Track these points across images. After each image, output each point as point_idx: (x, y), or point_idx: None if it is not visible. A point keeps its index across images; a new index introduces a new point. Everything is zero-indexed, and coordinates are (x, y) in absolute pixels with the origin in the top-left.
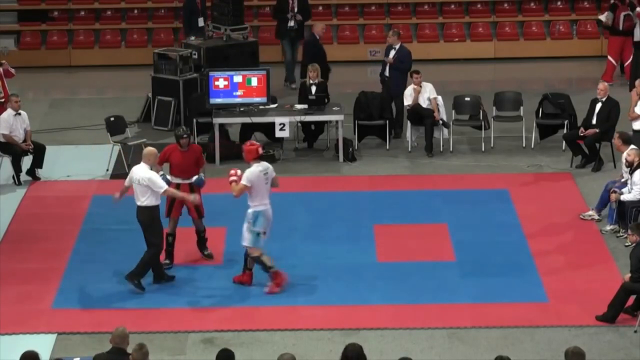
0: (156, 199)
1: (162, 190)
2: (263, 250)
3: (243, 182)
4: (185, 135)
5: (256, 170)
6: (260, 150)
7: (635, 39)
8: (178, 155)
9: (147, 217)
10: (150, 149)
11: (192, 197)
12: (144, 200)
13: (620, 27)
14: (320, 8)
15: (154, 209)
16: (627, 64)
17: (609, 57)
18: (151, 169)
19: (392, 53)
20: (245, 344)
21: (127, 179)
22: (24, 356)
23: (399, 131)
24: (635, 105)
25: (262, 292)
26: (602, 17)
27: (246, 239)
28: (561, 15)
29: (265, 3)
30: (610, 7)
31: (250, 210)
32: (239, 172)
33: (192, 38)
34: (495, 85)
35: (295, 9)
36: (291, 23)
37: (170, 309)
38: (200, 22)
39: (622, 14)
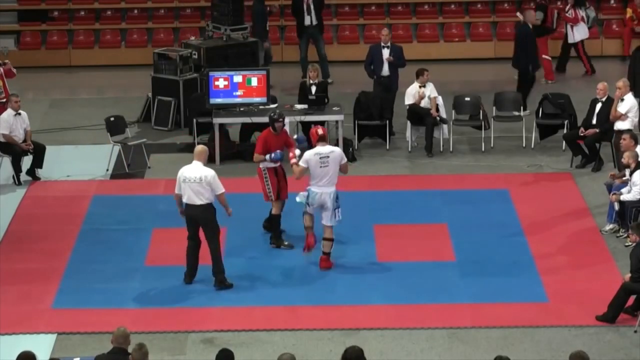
0: (213, 196)
1: (220, 192)
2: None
3: (300, 163)
4: (280, 119)
5: (311, 152)
6: (320, 131)
7: (570, 40)
8: (272, 140)
9: (210, 214)
10: (202, 146)
11: (230, 210)
12: (205, 198)
13: (554, 26)
14: None
15: (212, 206)
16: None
17: (544, 56)
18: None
19: (387, 52)
20: (245, 344)
21: (177, 185)
22: (20, 357)
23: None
24: (617, 105)
25: (262, 292)
26: (519, 16)
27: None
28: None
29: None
30: (540, 7)
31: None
32: (297, 152)
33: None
34: (495, 85)
35: (312, 6)
36: (307, 21)
37: (170, 309)
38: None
39: (555, 11)
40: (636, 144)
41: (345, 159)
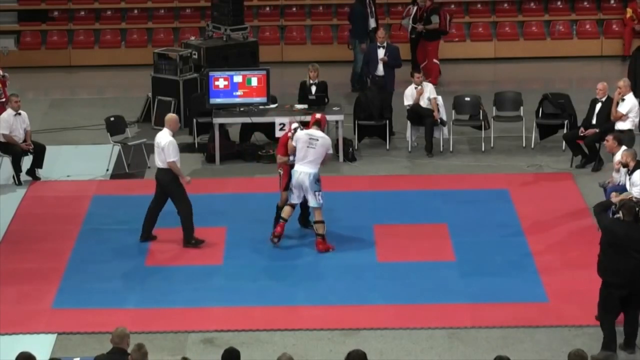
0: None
1: (169, 160)
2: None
3: (293, 142)
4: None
5: (304, 132)
6: (318, 116)
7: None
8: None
9: (167, 177)
10: (170, 114)
11: (188, 179)
12: (161, 162)
13: (447, 29)
14: (321, 8)
15: (171, 171)
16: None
17: (435, 60)
18: (172, 135)
19: (382, 51)
20: (245, 344)
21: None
22: (19, 357)
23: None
24: (617, 104)
25: (262, 292)
26: (404, 22)
27: None
28: (561, 15)
29: (266, 3)
30: (433, 10)
31: None
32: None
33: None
34: (495, 85)
35: (373, 8)
36: (373, 24)
37: (170, 309)
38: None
39: (448, 15)
40: (620, 145)
41: (331, 152)
